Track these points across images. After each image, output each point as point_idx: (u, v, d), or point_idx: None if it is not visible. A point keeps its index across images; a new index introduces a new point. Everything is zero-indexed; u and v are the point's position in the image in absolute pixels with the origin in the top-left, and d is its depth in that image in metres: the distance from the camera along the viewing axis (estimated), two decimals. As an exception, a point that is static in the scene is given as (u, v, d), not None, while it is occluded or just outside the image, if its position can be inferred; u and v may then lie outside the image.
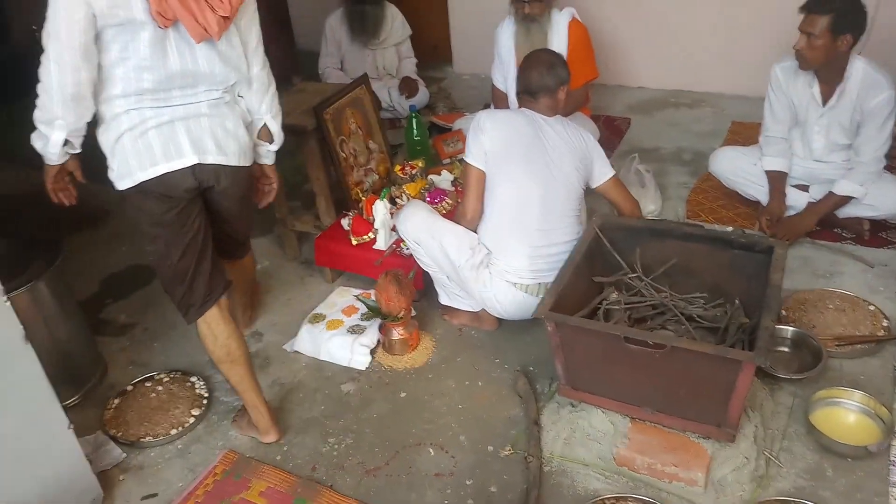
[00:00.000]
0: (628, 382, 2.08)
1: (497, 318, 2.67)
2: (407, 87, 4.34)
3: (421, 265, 2.68)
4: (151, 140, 1.91)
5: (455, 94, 4.80)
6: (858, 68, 2.83)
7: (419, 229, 2.58)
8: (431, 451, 2.24)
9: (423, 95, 4.39)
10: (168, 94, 1.91)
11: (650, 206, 3.25)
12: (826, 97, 2.93)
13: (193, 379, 2.58)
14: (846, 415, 2.20)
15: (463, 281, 2.53)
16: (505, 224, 2.47)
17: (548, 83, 2.48)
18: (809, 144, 3.09)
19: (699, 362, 1.93)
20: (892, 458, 2.07)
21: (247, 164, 2.13)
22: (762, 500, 1.96)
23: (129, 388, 2.56)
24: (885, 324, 2.52)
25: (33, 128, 1.89)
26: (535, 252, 2.44)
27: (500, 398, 2.42)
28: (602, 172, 2.58)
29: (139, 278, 3.20)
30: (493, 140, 2.47)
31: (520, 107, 2.57)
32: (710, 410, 2.00)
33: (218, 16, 1.83)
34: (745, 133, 3.89)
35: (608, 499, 2.00)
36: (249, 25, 2.02)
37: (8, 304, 1.81)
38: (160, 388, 2.55)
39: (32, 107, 1.85)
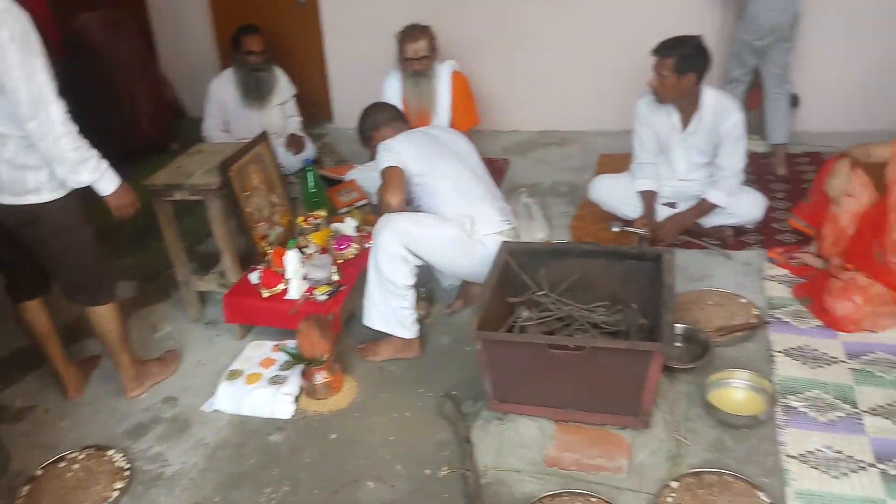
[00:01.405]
0: (552, 387, 2.25)
1: (419, 345, 2.80)
2: (294, 143, 4.45)
3: (396, 272, 2.67)
4: None
5: (340, 148, 4.95)
6: (710, 97, 3.24)
7: (409, 228, 2.65)
8: (371, 483, 2.29)
9: (309, 151, 4.51)
10: None
11: (539, 234, 3.50)
12: (685, 124, 3.32)
13: (110, 452, 2.48)
14: (736, 392, 2.47)
15: (462, 255, 2.74)
16: (463, 201, 2.83)
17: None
18: (674, 166, 3.47)
19: (614, 359, 2.13)
20: (777, 423, 2.34)
21: (15, 202, 2.28)
22: (678, 476, 2.16)
23: (39, 472, 2.42)
24: (755, 313, 2.86)
25: None
26: (495, 206, 2.90)
27: (428, 425, 2.51)
28: None
29: (28, 361, 3.03)
30: (408, 153, 2.84)
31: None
32: (625, 402, 2.20)
33: None
34: (612, 164, 4.26)
35: (545, 498, 2.13)
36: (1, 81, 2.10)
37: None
38: (76, 466, 2.43)
39: None
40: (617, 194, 3.54)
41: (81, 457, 2.48)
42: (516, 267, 2.63)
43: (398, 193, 2.75)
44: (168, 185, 2.96)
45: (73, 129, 2.22)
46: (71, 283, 2.52)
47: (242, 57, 4.32)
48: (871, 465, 2.15)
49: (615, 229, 3.42)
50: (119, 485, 2.35)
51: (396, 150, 2.85)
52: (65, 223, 2.37)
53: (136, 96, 4.81)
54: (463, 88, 3.97)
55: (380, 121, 3.09)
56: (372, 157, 3.06)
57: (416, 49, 3.82)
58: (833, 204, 2.95)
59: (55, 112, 2.16)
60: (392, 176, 2.79)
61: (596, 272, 2.63)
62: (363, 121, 3.15)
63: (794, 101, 4.27)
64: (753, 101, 4.19)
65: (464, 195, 2.85)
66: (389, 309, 2.73)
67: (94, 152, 2.31)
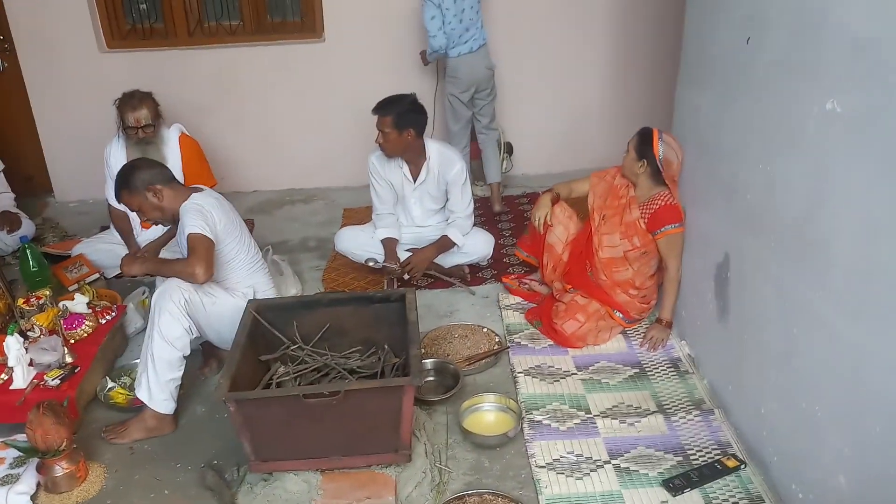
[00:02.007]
0: (313, 438, 2.27)
1: (174, 420, 2.68)
2: (7, 221, 4.03)
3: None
4: None
5: (64, 222, 4.56)
6: (434, 149, 3.54)
7: (198, 298, 2.65)
8: (130, 573, 2.13)
9: (27, 227, 4.11)
10: None
11: (292, 290, 3.53)
12: (415, 175, 3.58)
13: None
14: (487, 415, 2.69)
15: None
16: (247, 271, 2.93)
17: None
18: (410, 213, 3.72)
19: (369, 398, 2.21)
20: (525, 438, 2.58)
21: None
22: (443, 503, 2.29)
23: None
24: (497, 339, 3.14)
25: None
26: (267, 273, 3.08)
27: (190, 499, 2.39)
28: None
29: None
30: (217, 218, 2.76)
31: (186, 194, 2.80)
32: (386, 440, 2.29)
33: None
34: (356, 216, 4.43)
35: (318, 551, 2.14)
36: None
37: None
38: None
39: None
40: (361, 243, 3.70)
41: None
42: (266, 323, 2.63)
43: (209, 269, 2.62)
44: None
45: None
46: None
47: None
48: (606, 463, 2.45)
49: (371, 263, 3.61)
50: None
51: (208, 214, 2.72)
52: None
53: None
54: (193, 150, 3.87)
55: (158, 178, 2.78)
56: (147, 218, 2.84)
57: (138, 117, 3.64)
58: (547, 234, 3.35)
59: None
60: (204, 246, 2.64)
61: (347, 319, 2.71)
62: (134, 176, 2.76)
63: (510, 148, 4.79)
64: (475, 152, 4.62)
65: (248, 265, 2.93)
66: (159, 381, 2.60)
67: None
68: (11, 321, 2.89)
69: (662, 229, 2.96)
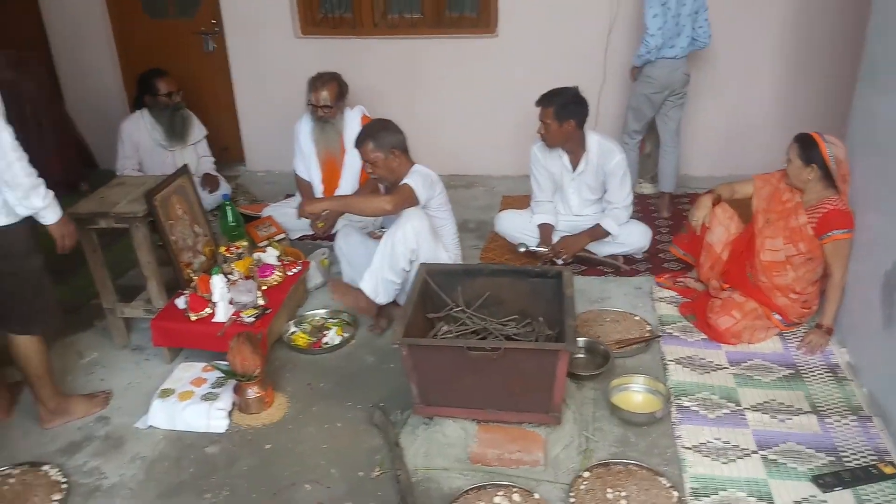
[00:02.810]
0: (472, 390, 2.48)
1: (379, 310, 3.26)
2: (209, 182, 4.55)
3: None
4: None
5: (253, 189, 5.08)
6: (594, 141, 3.66)
7: (427, 235, 3.13)
8: (308, 486, 2.43)
9: (224, 189, 4.63)
10: None
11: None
12: (574, 165, 3.72)
13: (45, 468, 2.51)
14: (636, 395, 2.79)
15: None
16: (453, 240, 3.42)
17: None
18: (568, 203, 3.86)
19: (527, 359, 2.39)
20: (672, 420, 2.67)
21: None
22: (589, 467, 2.43)
23: (-28, 488, 2.43)
24: (648, 328, 3.23)
25: None
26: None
27: (358, 433, 2.68)
28: None
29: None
30: (433, 193, 3.21)
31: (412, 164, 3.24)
32: (539, 400, 2.46)
33: None
34: (514, 204, 4.60)
35: (471, 491, 2.35)
36: None
37: None
38: (11, 480, 2.45)
39: None
40: (518, 226, 3.89)
41: (16, 472, 2.50)
42: (434, 286, 2.88)
43: (394, 207, 3.06)
44: (93, 213, 3.03)
45: (24, 155, 2.31)
46: (6, 308, 2.52)
47: (159, 99, 4.41)
48: (754, 452, 2.49)
49: (521, 249, 3.76)
50: (57, 496, 2.39)
51: (433, 183, 3.21)
52: (14, 248, 2.41)
53: (43, 134, 4.78)
54: None
55: (401, 144, 3.21)
56: (373, 173, 3.22)
57: (320, 97, 4.06)
58: (708, 233, 3.38)
59: (5, 138, 2.25)
60: (406, 197, 3.08)
61: (505, 289, 2.90)
62: (385, 135, 3.17)
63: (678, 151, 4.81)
64: (640, 149, 4.67)
65: (452, 236, 3.41)
66: (383, 279, 3.11)
67: (42, 180, 2.39)
68: (214, 265, 3.31)
69: (830, 234, 2.93)
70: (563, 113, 3.51)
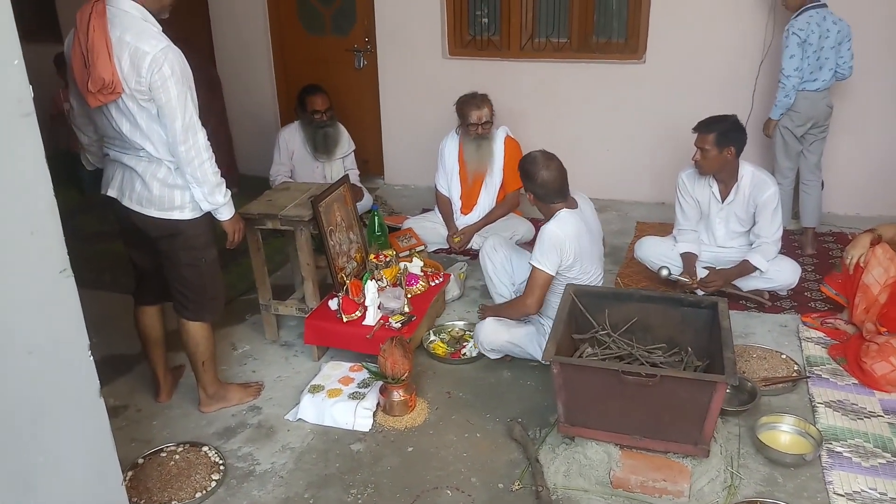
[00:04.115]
0: (620, 414, 2.47)
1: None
2: (353, 193, 4.74)
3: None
4: None
5: (391, 202, 5.28)
6: (748, 171, 3.57)
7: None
8: (449, 492, 2.50)
9: (367, 200, 4.83)
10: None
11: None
12: (724, 195, 3.65)
13: (205, 449, 2.71)
14: (783, 435, 2.70)
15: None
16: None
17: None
18: (713, 233, 3.78)
19: (682, 388, 2.37)
20: (823, 464, 2.56)
21: (150, 215, 2.55)
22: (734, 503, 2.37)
23: (141, 461, 2.65)
24: (796, 368, 3.11)
25: None
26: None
27: (498, 445, 2.73)
28: None
29: (117, 366, 3.28)
30: (569, 250, 2.93)
31: (560, 209, 2.98)
32: (688, 431, 2.42)
33: (89, 92, 2.37)
34: (650, 230, 4.55)
35: (613, 514, 2.35)
36: (162, 110, 2.41)
37: (91, 358, 1.97)
38: (176, 457, 2.65)
39: None
40: (660, 253, 3.84)
41: (179, 450, 2.69)
42: (581, 306, 2.89)
43: (537, 303, 2.98)
44: (262, 214, 3.25)
45: (213, 154, 2.52)
46: (182, 295, 2.76)
47: (309, 115, 4.66)
48: (913, 507, 2.36)
49: (664, 273, 3.69)
50: (216, 477, 2.56)
51: (560, 247, 2.90)
52: (196, 240, 2.64)
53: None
54: (515, 153, 4.32)
55: (556, 192, 2.97)
56: (534, 202, 3.06)
57: (480, 115, 4.20)
58: (864, 274, 3.23)
59: (202, 139, 2.47)
60: (541, 284, 2.95)
61: (654, 316, 2.88)
62: (544, 174, 2.95)
63: (821, 184, 4.62)
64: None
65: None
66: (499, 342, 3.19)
67: (223, 179, 2.61)
68: (364, 271, 3.47)
69: None
70: (724, 140, 3.45)
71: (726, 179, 3.61)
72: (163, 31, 2.43)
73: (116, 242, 3.08)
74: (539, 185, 2.96)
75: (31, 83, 1.59)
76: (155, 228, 2.59)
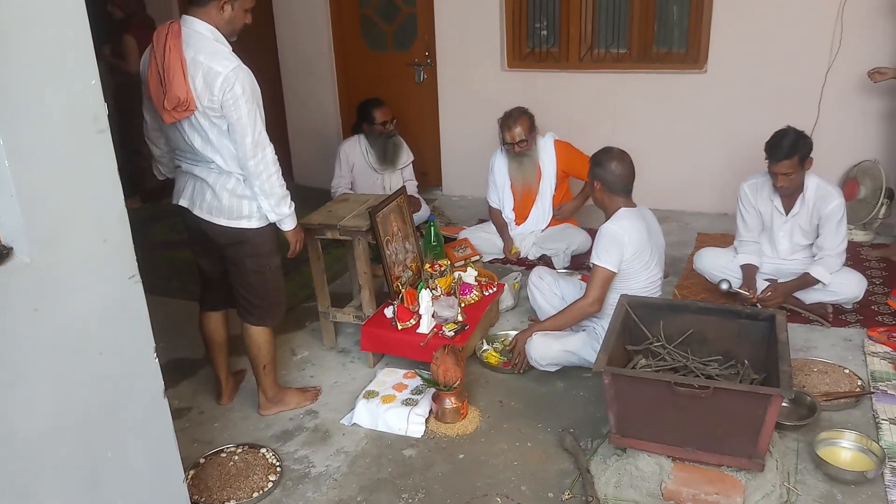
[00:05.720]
0: (673, 426, 2.45)
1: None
2: (411, 204, 4.83)
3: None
4: None
5: (448, 212, 5.35)
6: (813, 182, 3.49)
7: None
8: (499, 500, 2.52)
9: (424, 211, 4.91)
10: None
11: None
12: (787, 208, 3.57)
13: (263, 450, 2.80)
14: (844, 452, 2.63)
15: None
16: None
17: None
18: (776, 246, 3.70)
19: (735, 401, 2.33)
20: (886, 483, 2.48)
21: (219, 223, 2.67)
22: (791, 521, 2.32)
23: (202, 460, 2.76)
24: (859, 383, 3.02)
25: None
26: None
27: (549, 455, 2.74)
28: None
29: (182, 369, 3.43)
30: (628, 248, 2.98)
31: (620, 207, 3.06)
32: (742, 444, 2.38)
33: (164, 109, 2.52)
34: (711, 242, 4.47)
35: (664, 526, 2.33)
36: (233, 126, 2.53)
37: (156, 360, 2.07)
38: (235, 458, 2.76)
39: None
40: (720, 265, 3.78)
41: (239, 451, 2.80)
42: (635, 317, 2.88)
43: (598, 302, 3.02)
44: (322, 224, 3.35)
45: (280, 169, 2.63)
46: (246, 301, 2.87)
47: (375, 127, 4.76)
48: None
49: (724, 287, 3.62)
50: (273, 478, 2.65)
51: (619, 242, 2.95)
52: (262, 248, 2.76)
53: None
54: (569, 150, 4.37)
55: (623, 185, 3.07)
56: (599, 193, 3.11)
57: (514, 135, 4.25)
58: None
59: (270, 153, 2.59)
60: (602, 281, 2.99)
61: (710, 328, 2.84)
62: (616, 163, 3.08)
63: (890, 194, 4.46)
64: (849, 192, 4.39)
65: (644, 288, 3.09)
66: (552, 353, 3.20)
67: (288, 192, 2.71)
68: (419, 280, 3.53)
69: None
70: (805, 157, 3.38)
71: (791, 192, 3.53)
72: (232, 51, 2.56)
73: (184, 251, 3.23)
74: (609, 172, 3.04)
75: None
76: (223, 236, 2.72)
